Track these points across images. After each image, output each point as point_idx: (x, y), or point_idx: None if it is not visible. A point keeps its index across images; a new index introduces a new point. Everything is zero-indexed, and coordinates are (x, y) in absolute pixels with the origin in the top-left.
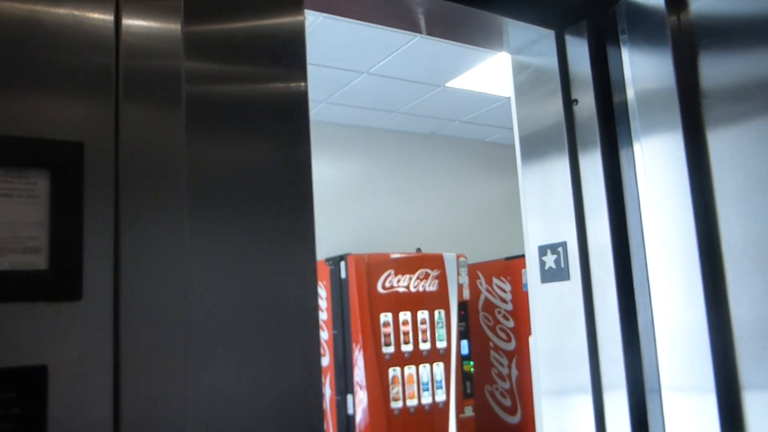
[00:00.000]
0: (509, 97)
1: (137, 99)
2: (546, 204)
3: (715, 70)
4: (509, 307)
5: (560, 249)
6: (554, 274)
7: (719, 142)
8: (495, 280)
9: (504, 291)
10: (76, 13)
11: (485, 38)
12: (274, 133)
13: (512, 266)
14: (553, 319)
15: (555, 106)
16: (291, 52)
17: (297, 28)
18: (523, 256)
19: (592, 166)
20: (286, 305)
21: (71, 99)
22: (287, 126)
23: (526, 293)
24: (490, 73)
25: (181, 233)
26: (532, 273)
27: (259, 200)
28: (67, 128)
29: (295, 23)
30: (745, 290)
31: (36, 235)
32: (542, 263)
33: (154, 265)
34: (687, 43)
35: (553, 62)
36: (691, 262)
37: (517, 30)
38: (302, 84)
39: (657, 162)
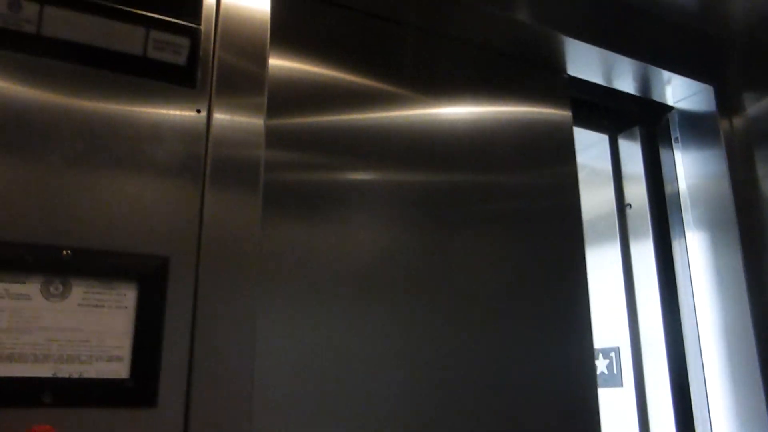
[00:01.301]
0: None
1: (221, 202)
2: (597, 303)
3: None
4: None
5: (612, 354)
6: (606, 380)
7: None
8: None
9: None
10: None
11: None
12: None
13: None
14: (606, 426)
15: (608, 207)
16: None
17: None
18: None
19: (645, 265)
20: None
21: (160, 214)
22: None
23: None
24: None
25: (251, 339)
26: None
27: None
28: (156, 242)
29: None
30: None
31: (121, 344)
32: None
33: (223, 372)
34: (740, 145)
35: (607, 164)
36: (751, 369)
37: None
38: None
39: (710, 261)
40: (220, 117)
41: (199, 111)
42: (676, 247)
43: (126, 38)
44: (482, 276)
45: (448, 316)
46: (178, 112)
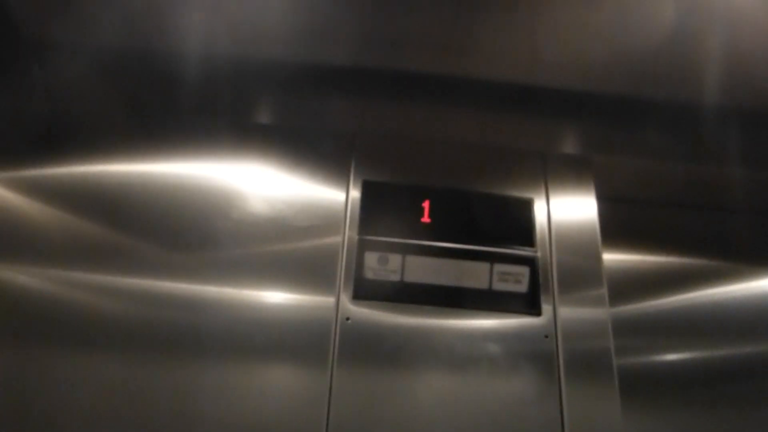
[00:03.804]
0: None
1: (579, 398)
2: None
3: None
4: None
5: None
6: None
7: None
8: None
9: None
10: None
11: None
12: None
13: None
14: None
15: None
16: None
17: None
18: None
19: None
20: None
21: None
22: None
23: None
24: None
25: None
26: None
27: None
28: None
29: None
30: None
31: None
32: None
33: None
34: None
35: None
36: None
37: None
38: None
39: None
40: (565, 317)
41: (546, 336)
42: None
43: (474, 275)
44: None
45: None
46: (526, 340)
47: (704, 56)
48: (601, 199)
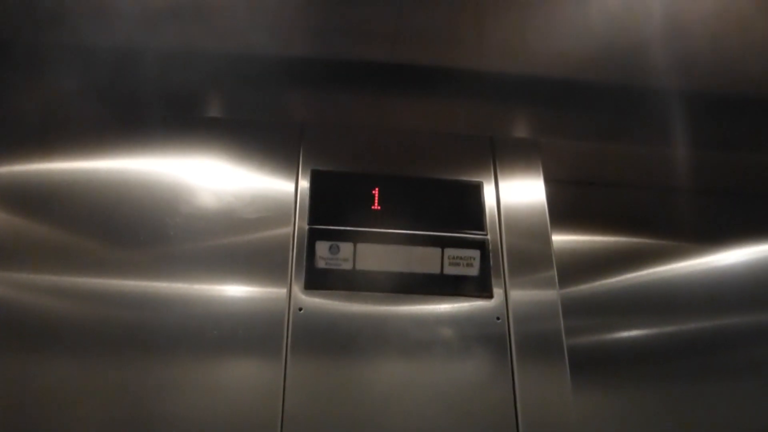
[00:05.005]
0: None
1: (530, 376)
2: None
3: None
4: None
5: None
6: None
7: None
8: None
9: None
10: None
11: None
12: None
13: None
14: None
15: None
16: None
17: None
18: None
19: None
20: None
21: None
22: None
23: None
24: None
25: None
26: None
27: None
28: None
29: None
30: None
31: None
32: None
33: None
34: None
35: None
36: None
37: None
38: None
39: None
40: (516, 299)
41: (498, 319)
42: None
43: (425, 260)
44: None
45: None
46: (478, 323)
47: (648, 40)
48: (550, 182)
